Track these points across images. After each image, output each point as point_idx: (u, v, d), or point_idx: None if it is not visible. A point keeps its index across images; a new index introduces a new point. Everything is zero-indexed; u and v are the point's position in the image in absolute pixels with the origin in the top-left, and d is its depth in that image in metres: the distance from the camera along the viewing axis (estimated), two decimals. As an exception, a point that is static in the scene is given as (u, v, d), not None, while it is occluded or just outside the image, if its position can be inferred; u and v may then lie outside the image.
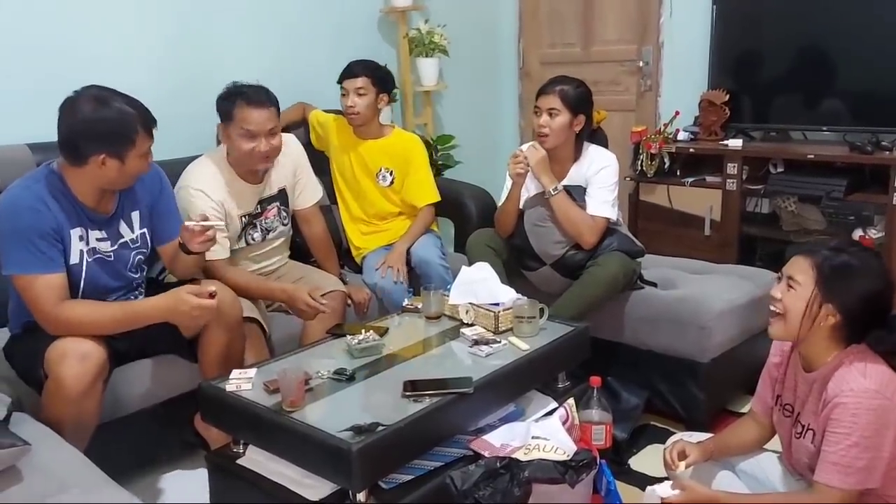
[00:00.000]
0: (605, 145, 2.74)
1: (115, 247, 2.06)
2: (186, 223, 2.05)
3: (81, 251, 1.97)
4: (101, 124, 1.86)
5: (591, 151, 2.65)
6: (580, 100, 2.57)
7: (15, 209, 1.88)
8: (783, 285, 1.62)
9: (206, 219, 2.10)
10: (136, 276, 2.15)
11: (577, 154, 2.63)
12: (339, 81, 2.97)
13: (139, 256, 2.14)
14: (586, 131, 2.62)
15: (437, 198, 3.07)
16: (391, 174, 3.03)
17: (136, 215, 2.10)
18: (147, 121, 1.93)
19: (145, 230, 2.13)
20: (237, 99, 2.38)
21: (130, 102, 1.92)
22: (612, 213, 2.60)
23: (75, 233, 1.95)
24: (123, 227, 2.08)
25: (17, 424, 1.70)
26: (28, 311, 1.93)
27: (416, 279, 2.92)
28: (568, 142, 2.60)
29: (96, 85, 1.93)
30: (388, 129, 3.07)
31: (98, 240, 2.01)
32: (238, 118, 2.37)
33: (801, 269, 1.59)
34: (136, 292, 2.17)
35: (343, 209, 3.12)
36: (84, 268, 1.99)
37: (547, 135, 2.56)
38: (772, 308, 1.64)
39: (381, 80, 2.97)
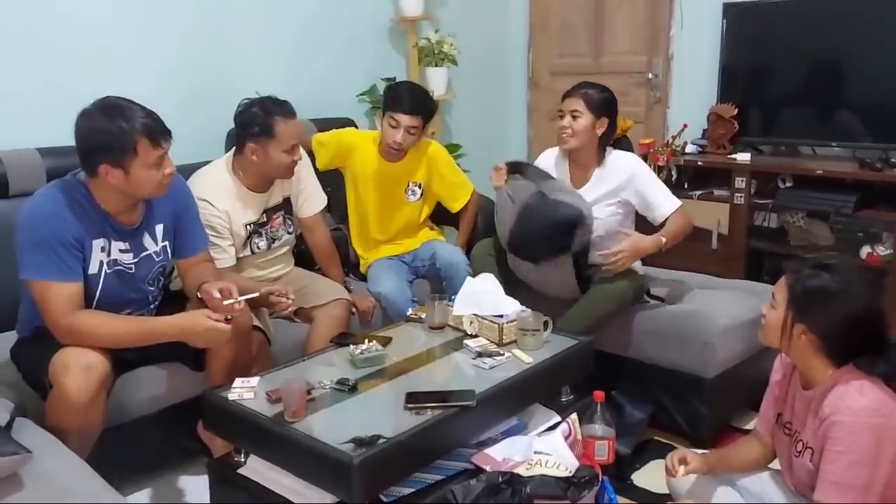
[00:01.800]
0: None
1: (138, 259, 2.05)
2: (225, 301, 2.00)
3: (101, 262, 1.97)
4: (99, 135, 1.85)
5: (615, 156, 2.67)
6: (603, 104, 2.60)
7: (37, 216, 1.89)
8: (769, 302, 1.65)
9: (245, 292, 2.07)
10: (153, 289, 2.15)
11: (600, 158, 2.65)
12: (391, 110, 2.78)
13: (159, 269, 2.14)
14: (609, 136, 2.64)
15: (471, 187, 3.13)
16: (419, 187, 3.02)
17: (160, 228, 2.10)
18: (153, 131, 1.89)
19: (167, 243, 2.13)
20: (275, 115, 2.37)
21: (136, 112, 1.89)
22: (675, 199, 2.61)
23: (97, 243, 1.95)
24: (147, 240, 2.07)
25: (20, 430, 1.71)
26: (41, 316, 1.93)
27: (434, 284, 2.92)
28: (591, 145, 2.62)
29: (112, 96, 1.92)
30: None
31: (121, 251, 2.01)
32: (282, 134, 2.37)
33: (780, 288, 1.62)
34: (151, 307, 2.17)
35: (358, 228, 3.04)
36: (102, 278, 1.98)
37: (571, 135, 2.59)
38: (761, 320, 1.69)
39: (430, 116, 2.90)
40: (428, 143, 3.05)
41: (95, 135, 1.85)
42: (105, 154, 1.86)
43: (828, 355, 1.57)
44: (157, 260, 2.11)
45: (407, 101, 2.78)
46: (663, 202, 2.59)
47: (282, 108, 2.40)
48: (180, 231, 2.16)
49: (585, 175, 2.67)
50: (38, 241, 1.86)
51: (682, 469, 1.81)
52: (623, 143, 2.77)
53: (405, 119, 2.77)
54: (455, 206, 3.11)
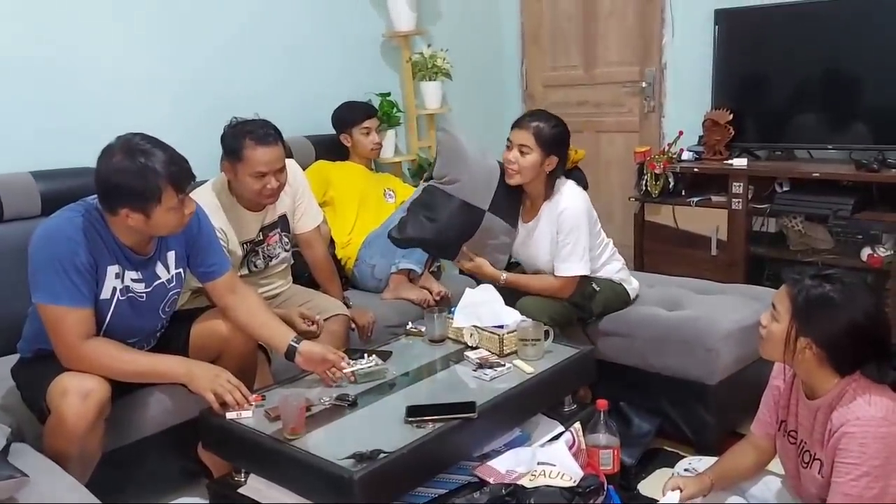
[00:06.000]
0: (585, 187, 2.64)
1: (150, 288, 2.03)
2: (344, 371, 2.07)
3: (114, 288, 1.95)
4: (122, 179, 1.81)
5: (564, 191, 2.53)
6: (555, 140, 2.47)
7: (54, 239, 1.86)
8: (769, 313, 1.61)
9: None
10: (164, 317, 2.13)
11: (548, 192, 2.54)
12: (359, 122, 3.24)
13: (174, 297, 2.12)
14: (558, 172, 2.53)
15: None
16: (393, 192, 3.31)
17: (171, 255, 2.07)
18: (177, 177, 1.86)
19: (181, 270, 2.11)
20: (245, 138, 2.32)
21: (161, 157, 1.84)
22: (578, 268, 2.48)
23: (112, 269, 1.93)
24: (160, 268, 2.05)
25: (17, 455, 1.69)
26: (46, 339, 1.91)
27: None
28: (539, 179, 2.51)
29: (139, 133, 1.88)
30: None
31: (133, 280, 1.99)
32: (248, 158, 2.32)
33: (781, 299, 1.58)
34: (154, 337, 2.15)
35: (352, 235, 3.13)
36: (113, 305, 1.96)
37: (517, 171, 2.48)
38: (760, 332, 1.65)
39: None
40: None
41: (118, 178, 1.81)
42: (127, 199, 1.83)
43: (832, 366, 1.54)
44: (169, 287, 2.08)
45: (367, 109, 3.35)
46: (566, 262, 2.48)
47: (253, 133, 2.33)
48: (196, 256, 2.13)
49: (535, 208, 2.58)
50: (52, 264, 1.84)
51: (676, 494, 1.76)
52: (576, 174, 2.67)
53: (371, 122, 3.30)
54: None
